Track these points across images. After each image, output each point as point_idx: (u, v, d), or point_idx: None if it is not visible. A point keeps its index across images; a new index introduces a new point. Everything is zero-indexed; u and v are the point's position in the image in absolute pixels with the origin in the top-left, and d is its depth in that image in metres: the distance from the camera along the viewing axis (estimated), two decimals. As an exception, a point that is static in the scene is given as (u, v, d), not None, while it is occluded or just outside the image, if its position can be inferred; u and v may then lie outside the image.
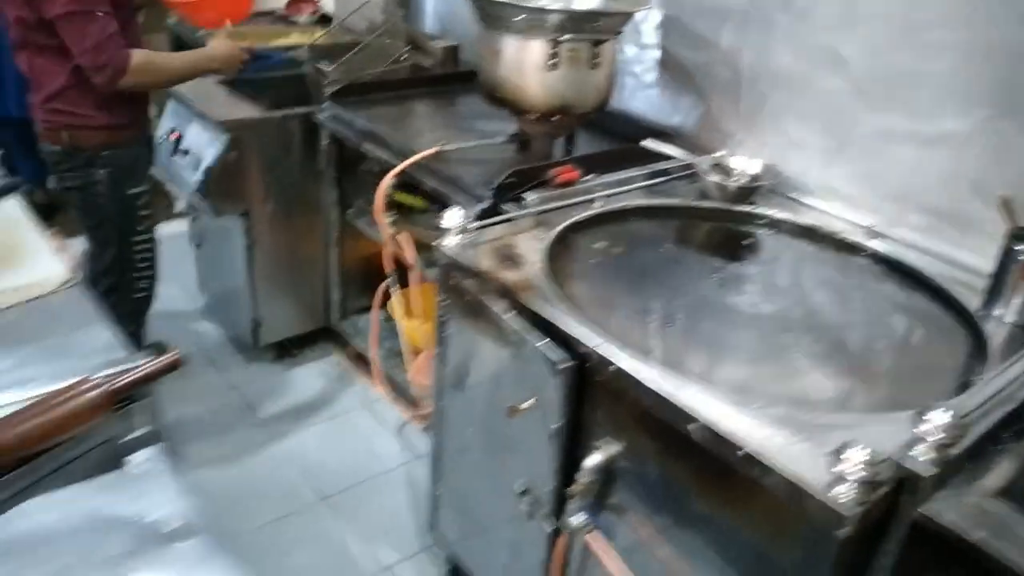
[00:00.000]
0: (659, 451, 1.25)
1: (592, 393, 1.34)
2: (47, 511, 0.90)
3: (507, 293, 1.46)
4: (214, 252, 2.87)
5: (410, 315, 2.37)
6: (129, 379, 0.94)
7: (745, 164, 1.92)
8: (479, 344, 1.57)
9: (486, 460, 1.66)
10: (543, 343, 1.36)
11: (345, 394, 2.71)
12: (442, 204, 1.90)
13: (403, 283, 2.30)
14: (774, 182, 1.93)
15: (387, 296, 2.37)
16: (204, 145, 2.38)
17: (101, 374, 0.95)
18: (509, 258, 1.56)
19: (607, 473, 1.33)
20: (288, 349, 2.85)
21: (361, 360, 2.75)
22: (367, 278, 2.62)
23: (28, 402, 0.95)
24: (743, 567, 1.17)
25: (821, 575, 1.03)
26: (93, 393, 0.93)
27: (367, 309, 2.55)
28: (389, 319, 2.47)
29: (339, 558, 2.10)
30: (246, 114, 2.41)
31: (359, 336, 2.72)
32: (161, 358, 0.97)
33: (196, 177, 2.37)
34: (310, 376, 2.79)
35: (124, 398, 0.96)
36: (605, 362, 1.26)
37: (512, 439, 1.53)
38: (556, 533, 1.47)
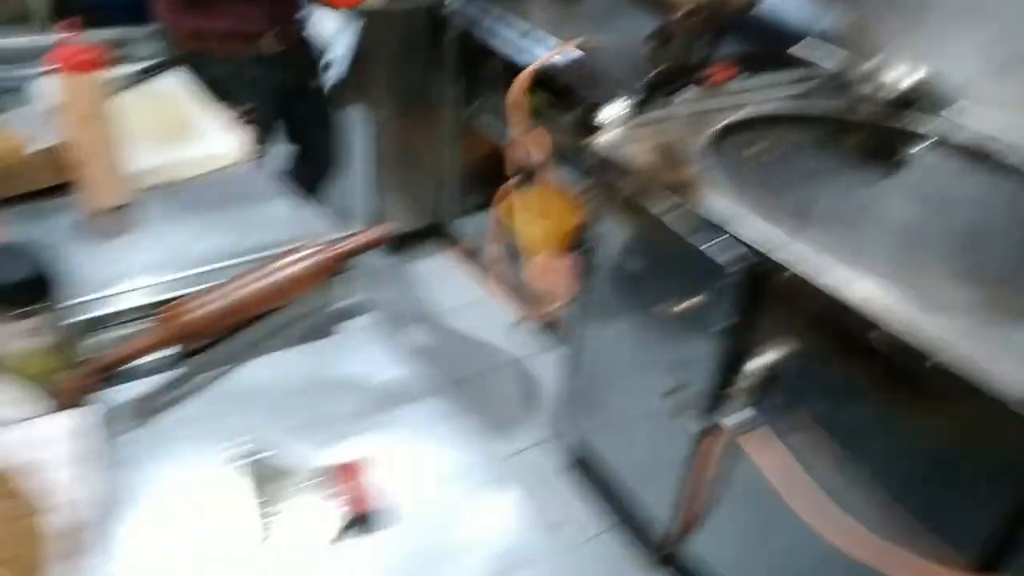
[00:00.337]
0: (834, 355, 1.24)
1: (758, 295, 1.33)
2: (274, 371, 0.94)
3: (669, 192, 1.44)
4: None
5: (532, 216, 2.37)
6: (350, 246, 0.97)
7: (903, 74, 1.83)
8: (631, 243, 1.57)
9: (629, 357, 1.67)
10: (711, 244, 1.35)
11: (457, 290, 2.75)
12: (575, 103, 1.87)
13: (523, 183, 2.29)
14: (934, 94, 1.84)
15: (505, 195, 2.36)
16: (333, 31, 2.36)
17: (321, 241, 0.97)
18: (665, 157, 1.54)
19: (770, 375, 1.33)
20: (401, 243, 2.89)
21: (472, 258, 2.78)
22: (483, 178, 2.61)
23: (223, 272, 0.97)
24: (918, 478, 1.17)
25: (1011, 490, 1.02)
26: (315, 259, 0.95)
27: (481, 208, 2.55)
28: (504, 219, 2.47)
29: (468, 438, 2.16)
30: (375, 1, 2.38)
31: (472, 234, 2.73)
32: (377, 228, 0.99)
33: (334, 63, 2.35)
34: (423, 271, 2.84)
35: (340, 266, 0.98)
36: (781, 266, 1.24)
37: (664, 338, 1.54)
38: (703, 433, 1.49)
